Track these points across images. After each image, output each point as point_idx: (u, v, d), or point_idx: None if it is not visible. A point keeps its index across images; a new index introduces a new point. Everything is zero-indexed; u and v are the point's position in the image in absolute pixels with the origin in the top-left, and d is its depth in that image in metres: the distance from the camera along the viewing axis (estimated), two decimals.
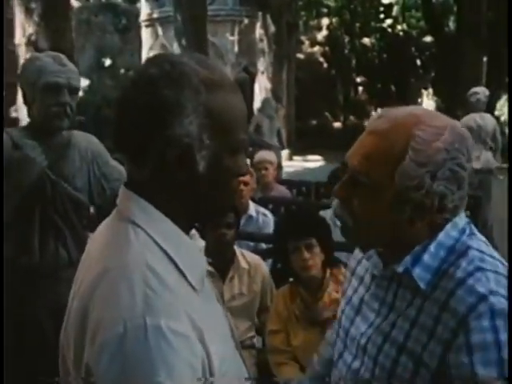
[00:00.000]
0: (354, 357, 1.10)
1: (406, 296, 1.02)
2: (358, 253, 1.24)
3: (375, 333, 1.06)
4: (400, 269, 1.00)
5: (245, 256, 2.59)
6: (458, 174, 0.96)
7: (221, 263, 2.52)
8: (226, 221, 2.44)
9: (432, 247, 0.99)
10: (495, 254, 1.02)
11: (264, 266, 2.63)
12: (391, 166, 0.96)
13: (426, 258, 0.99)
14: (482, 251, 1.00)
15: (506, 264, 1.01)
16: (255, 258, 2.62)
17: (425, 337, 0.96)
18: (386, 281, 1.07)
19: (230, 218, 2.46)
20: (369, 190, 0.99)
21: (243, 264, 2.54)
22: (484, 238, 1.05)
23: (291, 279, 2.38)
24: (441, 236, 1.00)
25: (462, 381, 0.90)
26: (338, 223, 1.08)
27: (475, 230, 1.05)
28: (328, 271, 2.26)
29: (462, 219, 1.03)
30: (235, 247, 2.60)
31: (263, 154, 4.66)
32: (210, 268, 2.47)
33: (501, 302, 0.91)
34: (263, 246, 3.28)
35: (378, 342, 1.04)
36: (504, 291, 0.93)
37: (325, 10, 20.11)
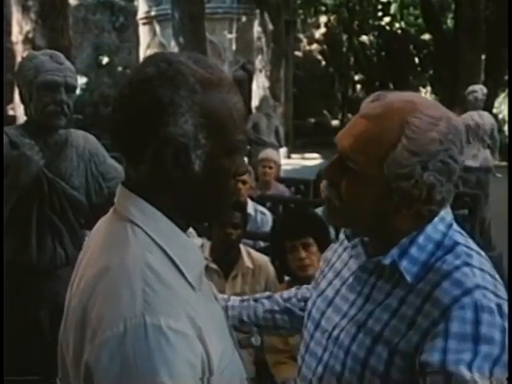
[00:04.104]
0: (324, 349, 1.08)
1: (384, 288, 1.01)
2: (336, 246, 1.22)
3: (349, 323, 1.04)
4: (386, 261, 0.98)
5: (251, 255, 2.57)
6: (450, 165, 0.95)
7: (225, 262, 2.51)
8: (233, 221, 2.43)
9: (420, 240, 0.98)
10: (481, 251, 1.01)
11: (269, 266, 2.62)
12: (382, 153, 0.95)
13: (413, 250, 0.98)
14: (469, 247, 0.99)
15: (490, 263, 1.00)
16: (261, 258, 2.60)
17: (404, 326, 0.94)
18: (365, 273, 1.05)
19: (237, 218, 2.45)
20: (357, 174, 0.97)
21: (248, 263, 2.53)
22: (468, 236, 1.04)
23: (287, 278, 2.38)
24: (429, 229, 0.99)
25: (431, 367, 0.86)
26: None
27: (459, 228, 1.04)
28: None
29: (448, 214, 1.02)
30: (242, 246, 2.59)
31: (270, 153, 4.61)
32: (214, 266, 2.47)
33: (486, 297, 0.90)
34: (261, 244, 3.28)
35: (351, 332, 1.02)
36: (491, 287, 0.92)
37: (323, 8, 20.08)
